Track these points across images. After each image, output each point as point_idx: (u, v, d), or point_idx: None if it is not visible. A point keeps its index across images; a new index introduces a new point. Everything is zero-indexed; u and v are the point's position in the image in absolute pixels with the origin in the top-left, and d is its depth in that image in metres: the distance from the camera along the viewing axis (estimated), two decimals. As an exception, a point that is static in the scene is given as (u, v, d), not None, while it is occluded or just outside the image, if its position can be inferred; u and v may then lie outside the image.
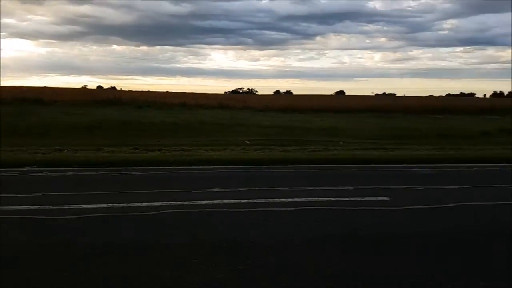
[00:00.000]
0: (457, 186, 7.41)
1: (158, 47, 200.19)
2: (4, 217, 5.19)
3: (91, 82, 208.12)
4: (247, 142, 14.65)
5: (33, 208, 5.54)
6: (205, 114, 30.81)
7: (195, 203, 5.99)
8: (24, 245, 4.35)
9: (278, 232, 4.80)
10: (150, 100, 41.04)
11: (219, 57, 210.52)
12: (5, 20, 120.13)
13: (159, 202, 5.96)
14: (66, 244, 4.35)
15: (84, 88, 69.08)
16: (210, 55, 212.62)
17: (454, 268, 3.90)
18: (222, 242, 4.42)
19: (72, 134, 14.26)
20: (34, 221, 5.08)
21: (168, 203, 5.89)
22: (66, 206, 5.65)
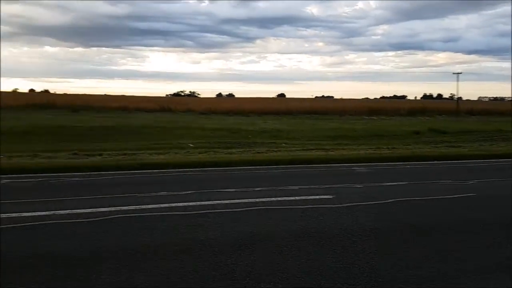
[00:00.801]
0: (395, 183, 7.95)
1: (94, 48, 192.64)
2: None
3: (23, 85, 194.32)
4: (191, 145, 14.59)
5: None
6: (147, 118, 30.10)
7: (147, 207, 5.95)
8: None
9: (233, 232, 4.90)
10: (88, 103, 39.34)
11: (159, 59, 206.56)
12: None
13: (107, 208, 5.85)
14: None
15: (15, 92, 65.04)
16: (149, 57, 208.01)
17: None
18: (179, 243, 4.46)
19: (4, 140, 13.37)
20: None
21: (118, 208, 5.82)
22: (3, 215, 5.38)
